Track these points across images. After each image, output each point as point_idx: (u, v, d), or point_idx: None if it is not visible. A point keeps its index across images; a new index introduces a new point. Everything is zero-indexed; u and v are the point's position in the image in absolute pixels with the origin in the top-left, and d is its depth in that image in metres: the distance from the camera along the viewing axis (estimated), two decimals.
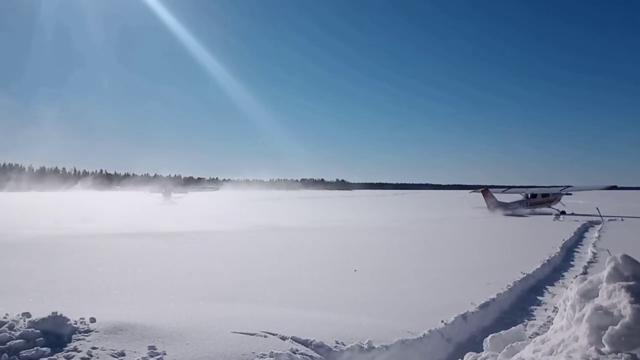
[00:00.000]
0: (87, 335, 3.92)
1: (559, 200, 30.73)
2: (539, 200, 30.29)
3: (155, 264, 10.04)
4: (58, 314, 3.99)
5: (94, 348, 3.72)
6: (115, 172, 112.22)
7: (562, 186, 31.56)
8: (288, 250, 13.06)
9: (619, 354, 3.02)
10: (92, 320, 4.18)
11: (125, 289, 7.23)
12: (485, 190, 31.07)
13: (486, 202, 30.19)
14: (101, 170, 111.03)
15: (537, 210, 29.96)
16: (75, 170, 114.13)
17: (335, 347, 4.33)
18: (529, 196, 30.93)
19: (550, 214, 27.29)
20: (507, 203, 30.14)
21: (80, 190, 64.22)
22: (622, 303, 3.25)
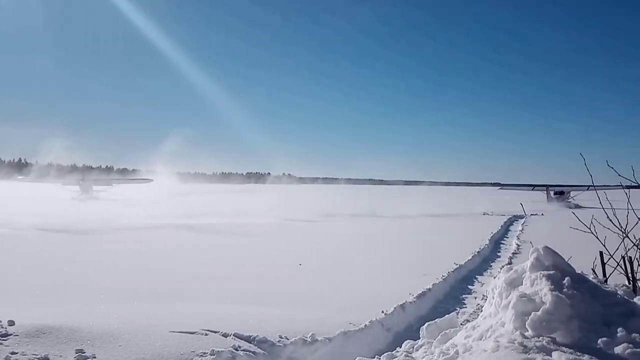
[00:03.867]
0: (5, 340, 3.57)
1: (570, 195, 42.57)
2: (565, 196, 42.51)
3: (84, 264, 9.35)
4: None
5: (13, 353, 3.39)
6: (25, 160, 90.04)
7: (585, 185, 40.74)
8: (231, 246, 12.79)
9: (541, 337, 3.29)
10: (11, 323, 3.82)
11: (49, 290, 6.64)
12: (547, 188, 44.59)
13: (547, 196, 43.14)
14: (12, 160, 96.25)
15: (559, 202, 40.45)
16: None
17: (278, 341, 4.30)
18: (556, 192, 43.10)
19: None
20: (554, 197, 42.42)
21: None
22: (543, 291, 3.55)
